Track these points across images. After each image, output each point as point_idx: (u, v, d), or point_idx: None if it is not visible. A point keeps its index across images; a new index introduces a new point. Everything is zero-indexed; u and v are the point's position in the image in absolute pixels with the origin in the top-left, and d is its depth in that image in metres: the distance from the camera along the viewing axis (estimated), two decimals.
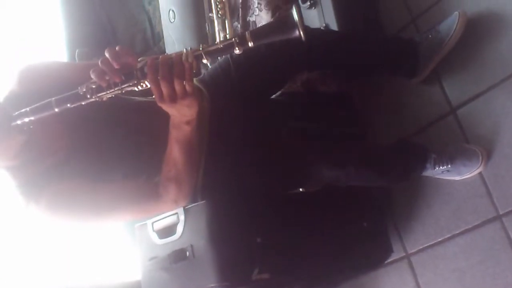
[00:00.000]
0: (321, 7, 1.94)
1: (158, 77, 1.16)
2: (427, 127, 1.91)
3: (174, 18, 2.42)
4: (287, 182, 1.65)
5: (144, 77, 1.19)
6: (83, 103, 1.22)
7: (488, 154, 1.71)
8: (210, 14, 2.28)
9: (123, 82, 1.19)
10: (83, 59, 2.59)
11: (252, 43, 1.14)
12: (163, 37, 2.55)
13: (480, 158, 1.69)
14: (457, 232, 1.79)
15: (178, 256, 1.61)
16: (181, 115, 1.27)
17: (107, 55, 1.17)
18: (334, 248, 1.78)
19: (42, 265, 2.37)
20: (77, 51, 2.64)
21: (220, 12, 2.25)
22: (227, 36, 2.20)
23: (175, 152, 1.37)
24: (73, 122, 1.38)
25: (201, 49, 1.18)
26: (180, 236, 1.63)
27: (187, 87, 1.18)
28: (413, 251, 1.94)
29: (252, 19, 2.19)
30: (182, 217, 1.62)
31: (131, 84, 1.20)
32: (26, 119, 1.22)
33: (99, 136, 1.44)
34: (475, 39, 1.76)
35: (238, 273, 1.56)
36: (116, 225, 2.30)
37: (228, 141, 1.59)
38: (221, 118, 1.58)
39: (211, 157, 1.55)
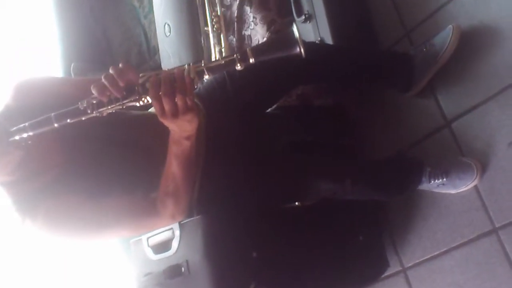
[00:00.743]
0: (316, 21, 1.95)
1: (160, 93, 1.16)
2: (422, 140, 1.91)
3: (170, 32, 2.43)
4: (283, 196, 1.65)
5: (145, 92, 1.19)
6: (83, 118, 1.21)
7: (483, 167, 1.71)
8: (205, 28, 2.29)
9: (124, 98, 1.19)
10: (78, 73, 2.59)
11: (253, 59, 1.15)
12: (158, 50, 2.56)
13: (475, 171, 1.69)
14: (453, 245, 1.79)
15: (174, 272, 1.60)
16: (182, 130, 1.27)
17: (111, 72, 1.17)
18: (330, 262, 1.77)
19: (37, 281, 2.35)
20: (72, 65, 2.64)
21: (215, 26, 2.26)
22: (223, 49, 2.21)
23: (174, 167, 1.36)
24: (70, 138, 1.37)
25: (203, 65, 1.19)
26: (176, 252, 1.62)
27: (189, 102, 1.19)
28: (409, 265, 1.93)
29: (247, 33, 2.20)
30: (177, 232, 1.61)
31: (132, 99, 1.20)
32: (25, 135, 1.21)
33: (95, 152, 1.43)
34: (470, 52, 1.76)
35: None
36: (112, 241, 2.28)
37: (223, 155, 1.58)
38: (217, 132, 1.58)
39: (207, 171, 1.54)
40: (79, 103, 1.20)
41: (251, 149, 1.63)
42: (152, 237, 1.69)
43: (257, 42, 2.16)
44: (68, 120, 1.21)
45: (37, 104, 1.31)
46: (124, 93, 1.19)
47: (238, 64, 1.16)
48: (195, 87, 1.20)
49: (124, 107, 1.21)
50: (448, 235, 1.80)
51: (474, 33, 1.77)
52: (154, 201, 1.43)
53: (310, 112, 2.01)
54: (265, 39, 2.11)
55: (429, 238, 1.86)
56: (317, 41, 1.93)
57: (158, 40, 2.53)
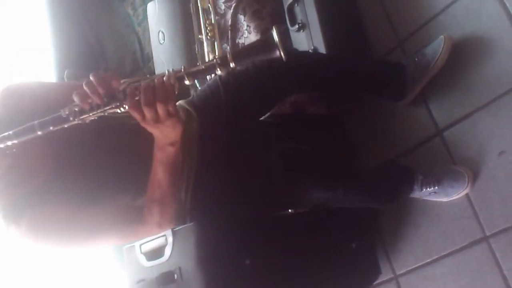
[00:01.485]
0: (309, 30, 1.97)
1: (141, 103, 1.16)
2: (414, 149, 1.92)
3: (164, 40, 2.43)
4: (275, 204, 1.65)
5: (126, 99, 1.18)
6: (66, 126, 1.21)
7: (474, 176, 1.72)
8: (199, 36, 2.30)
9: (105, 104, 1.18)
10: (72, 80, 2.58)
11: (233, 63, 1.14)
12: (152, 58, 2.56)
13: (467, 179, 1.71)
14: (445, 253, 1.80)
15: (166, 279, 1.59)
16: (165, 136, 1.26)
17: (92, 79, 1.17)
18: (323, 269, 1.77)
19: None
20: (66, 72, 2.63)
21: (209, 34, 2.26)
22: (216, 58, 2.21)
23: (159, 173, 1.35)
24: (57, 144, 1.35)
25: (182, 70, 1.18)
26: (168, 258, 1.62)
27: (170, 109, 1.18)
28: (401, 272, 1.94)
29: (241, 41, 2.21)
30: (170, 239, 1.61)
31: (113, 106, 1.19)
32: (9, 143, 1.20)
33: (83, 159, 1.41)
34: (461, 63, 1.78)
35: None
36: (99, 249, 2.27)
37: (217, 162, 1.59)
38: (210, 139, 1.58)
39: (200, 178, 1.54)
40: (62, 110, 1.20)
41: (244, 157, 1.63)
42: (145, 244, 1.69)
43: None
44: (51, 128, 1.20)
45: (24, 110, 1.28)
46: (105, 100, 1.18)
47: (218, 69, 1.15)
48: (188, 94, 1.19)
49: (105, 113, 1.20)
50: (439, 243, 1.82)
51: (465, 43, 1.79)
52: (141, 209, 1.41)
53: (303, 120, 2.02)
54: None
55: (421, 245, 1.87)
56: (310, 50, 1.95)
57: (152, 48, 2.53)
